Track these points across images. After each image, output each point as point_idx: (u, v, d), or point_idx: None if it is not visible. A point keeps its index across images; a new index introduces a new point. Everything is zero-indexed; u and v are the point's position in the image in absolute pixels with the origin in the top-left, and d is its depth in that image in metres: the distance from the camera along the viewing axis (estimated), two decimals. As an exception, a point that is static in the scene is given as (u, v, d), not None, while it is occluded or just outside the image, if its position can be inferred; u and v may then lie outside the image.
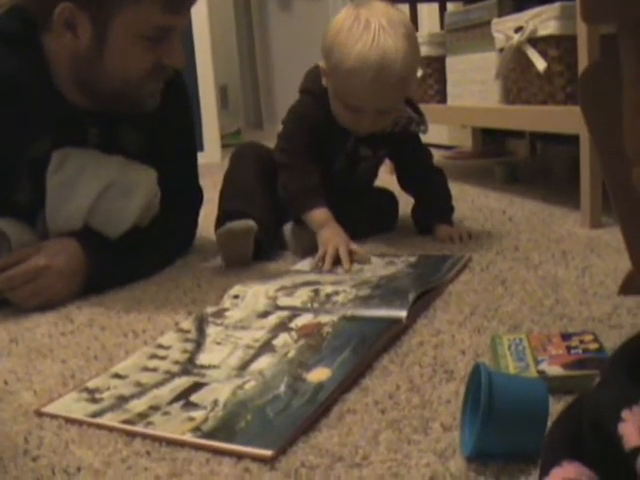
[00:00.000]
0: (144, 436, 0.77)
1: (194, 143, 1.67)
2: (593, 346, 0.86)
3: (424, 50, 2.47)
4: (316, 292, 1.19)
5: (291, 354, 0.95)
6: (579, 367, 0.81)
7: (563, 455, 0.48)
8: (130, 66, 1.27)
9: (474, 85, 2.20)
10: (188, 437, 0.75)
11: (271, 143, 1.69)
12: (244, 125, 5.46)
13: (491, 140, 3.15)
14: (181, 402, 0.83)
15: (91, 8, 1.21)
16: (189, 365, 0.94)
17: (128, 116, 1.39)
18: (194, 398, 0.84)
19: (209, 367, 0.93)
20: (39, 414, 0.84)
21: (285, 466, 0.69)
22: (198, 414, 0.79)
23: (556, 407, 0.72)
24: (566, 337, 0.89)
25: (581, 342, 0.87)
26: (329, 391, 0.82)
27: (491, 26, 2.00)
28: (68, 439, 0.77)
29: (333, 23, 1.46)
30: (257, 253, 1.49)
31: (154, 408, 0.82)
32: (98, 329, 1.14)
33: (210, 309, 1.17)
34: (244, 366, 0.92)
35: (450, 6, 2.96)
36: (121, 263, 1.36)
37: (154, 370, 0.93)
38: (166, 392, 0.86)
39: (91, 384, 0.90)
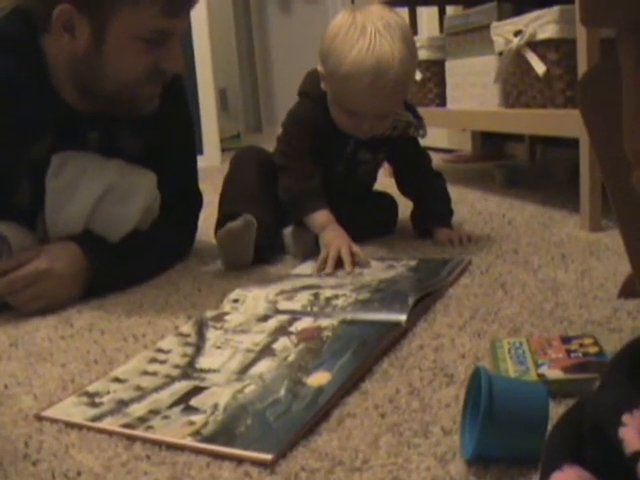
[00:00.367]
0: (144, 440, 0.76)
1: (194, 146, 1.67)
2: (593, 349, 0.86)
3: (423, 54, 2.48)
4: (316, 296, 1.19)
5: (291, 358, 0.95)
6: (579, 370, 0.81)
7: (563, 459, 0.48)
8: (127, 68, 1.27)
9: (474, 89, 2.21)
10: (188, 441, 0.75)
11: (270, 146, 1.69)
12: (243, 128, 5.46)
13: (491, 144, 3.15)
14: (181, 406, 0.83)
15: (89, 10, 1.21)
16: (189, 369, 0.94)
17: (127, 119, 1.40)
18: (194, 402, 0.84)
19: (209, 371, 0.93)
20: (39, 418, 0.84)
21: (285, 470, 0.69)
22: (198, 418, 0.79)
23: (556, 411, 0.72)
24: (566, 340, 0.89)
25: (581, 345, 0.87)
26: (329, 395, 0.82)
27: (490, 30, 2.00)
28: (68, 443, 0.77)
29: (330, 28, 1.46)
30: (257, 257, 1.49)
31: (154, 412, 0.82)
32: (98, 333, 1.14)
33: (210, 313, 1.17)
34: (244, 370, 0.92)
35: (449, 10, 2.96)
36: (121, 267, 1.36)
37: (154, 374, 0.93)
38: (166, 396, 0.86)
39: (91, 388, 0.90)
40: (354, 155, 1.62)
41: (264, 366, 0.93)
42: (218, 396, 0.85)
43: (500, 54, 1.96)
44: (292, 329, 1.06)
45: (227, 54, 5.23)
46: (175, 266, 1.54)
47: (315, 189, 1.53)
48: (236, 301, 1.21)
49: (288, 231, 1.59)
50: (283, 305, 1.17)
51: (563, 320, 1.03)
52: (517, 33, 1.84)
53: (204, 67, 3.72)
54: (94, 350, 1.06)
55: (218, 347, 1.01)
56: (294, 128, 1.59)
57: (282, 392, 0.85)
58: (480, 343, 0.97)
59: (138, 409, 0.83)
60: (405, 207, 1.76)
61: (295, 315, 1.12)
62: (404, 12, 2.76)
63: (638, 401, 0.44)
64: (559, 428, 0.52)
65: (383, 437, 0.74)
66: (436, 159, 2.19)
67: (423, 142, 1.69)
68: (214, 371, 0.93)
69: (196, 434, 0.76)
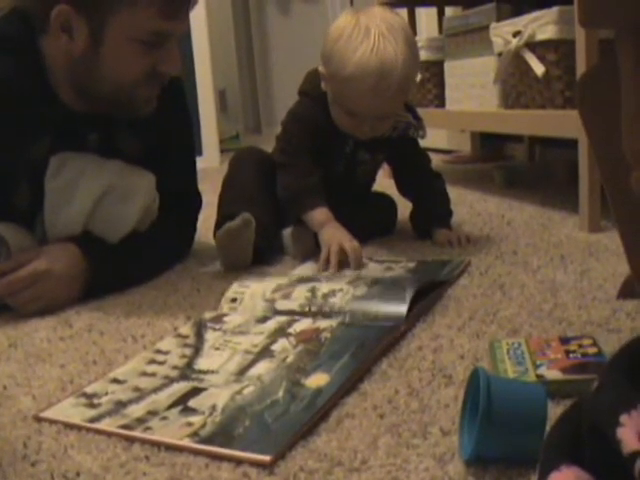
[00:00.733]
0: (143, 441, 0.76)
1: (193, 147, 1.67)
2: (592, 350, 0.86)
3: (423, 54, 2.47)
4: (313, 292, 1.18)
5: (290, 359, 0.95)
6: (578, 371, 0.81)
7: (562, 459, 0.48)
8: (124, 70, 1.27)
9: (473, 89, 2.21)
10: (186, 442, 0.75)
11: (270, 147, 1.69)
12: (243, 129, 5.46)
13: (490, 144, 3.15)
14: (179, 407, 0.83)
15: (87, 11, 1.21)
16: (188, 370, 0.94)
17: (126, 120, 1.39)
18: (192, 403, 0.84)
19: (207, 372, 0.93)
20: (38, 419, 0.84)
21: (284, 471, 0.69)
22: (196, 419, 0.79)
23: (555, 411, 0.72)
24: (565, 341, 0.89)
25: (580, 346, 0.87)
26: (327, 396, 0.82)
27: (489, 31, 2.00)
28: (67, 444, 0.77)
29: (332, 29, 1.46)
30: (256, 258, 1.49)
31: (152, 413, 0.82)
32: (97, 334, 1.14)
33: (209, 314, 1.17)
34: (242, 371, 0.92)
35: (449, 11, 2.96)
36: (120, 268, 1.36)
37: (153, 375, 0.93)
38: (164, 397, 0.86)
39: (89, 389, 0.90)
40: (353, 155, 1.62)
41: (263, 367, 0.93)
42: (216, 397, 0.85)
43: (499, 55, 1.96)
44: (291, 330, 1.06)
45: (226, 55, 5.24)
46: (174, 267, 1.54)
47: (314, 187, 1.53)
48: (234, 300, 1.21)
49: (287, 232, 1.59)
50: (281, 305, 1.17)
51: (562, 321, 1.03)
52: (516, 34, 1.84)
53: (203, 68, 3.72)
54: (93, 351, 1.06)
55: (217, 348, 1.01)
56: (294, 126, 1.59)
57: (280, 393, 0.85)
58: (479, 344, 0.97)
59: (137, 410, 0.83)
60: (404, 208, 1.76)
61: (294, 316, 1.12)
62: (403, 13, 2.76)
63: (636, 401, 0.44)
64: (557, 428, 0.52)
65: (382, 438, 0.74)
66: (435, 160, 2.19)
67: (422, 143, 1.70)
68: (213, 372, 0.93)
69: (194, 435, 0.76)
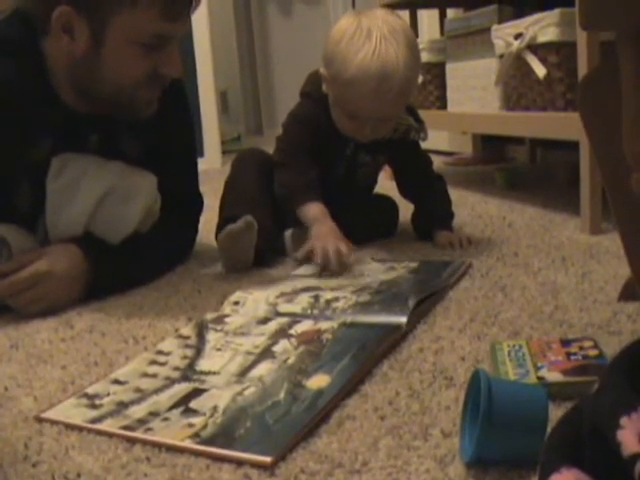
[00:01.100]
0: (144, 442, 0.76)
1: (194, 149, 1.67)
2: (593, 352, 0.86)
3: (424, 56, 2.47)
4: (316, 298, 1.19)
5: (291, 360, 0.95)
6: (579, 373, 0.81)
7: (562, 461, 0.48)
8: (125, 72, 1.27)
9: (474, 91, 2.21)
10: (187, 443, 0.75)
11: (271, 149, 1.69)
12: (244, 131, 5.46)
13: (491, 146, 3.15)
14: (180, 408, 0.83)
15: (88, 11, 1.21)
16: (189, 371, 0.94)
17: (127, 121, 1.40)
18: (194, 404, 0.84)
19: (209, 373, 0.93)
20: (39, 420, 0.84)
21: (285, 472, 0.69)
22: (197, 420, 0.79)
23: (556, 413, 0.72)
24: (566, 343, 0.89)
25: (581, 348, 0.87)
26: (328, 398, 0.82)
27: (491, 32, 2.00)
28: (68, 445, 0.77)
29: (334, 31, 1.46)
30: (258, 259, 1.49)
31: (154, 414, 0.82)
32: (98, 335, 1.14)
33: (210, 315, 1.17)
34: (244, 372, 0.92)
35: (450, 12, 2.96)
36: (122, 269, 1.36)
37: (154, 376, 0.93)
38: (166, 398, 0.86)
39: (91, 390, 0.90)
40: (354, 157, 1.62)
41: (264, 368, 0.93)
42: (218, 398, 0.85)
43: (501, 57, 1.96)
44: (292, 332, 1.06)
45: (228, 56, 5.24)
46: (175, 268, 1.54)
47: (310, 182, 1.53)
48: (236, 303, 1.21)
49: (289, 233, 1.59)
50: (283, 307, 1.17)
51: (563, 323, 1.03)
52: (518, 36, 1.84)
53: (205, 69, 3.72)
54: (94, 352, 1.06)
55: (218, 349, 1.01)
56: (294, 128, 1.59)
57: (282, 395, 0.85)
58: (480, 346, 0.97)
59: (138, 411, 0.83)
60: (406, 210, 1.76)
61: (295, 317, 1.12)
62: (405, 14, 2.76)
63: (636, 404, 0.44)
64: (558, 430, 0.53)
65: (383, 439, 0.74)
66: (437, 162, 2.19)
67: (424, 145, 1.69)
68: (214, 373, 0.93)
69: (195, 436, 0.76)
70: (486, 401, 0.64)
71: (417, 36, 2.87)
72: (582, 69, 1.51)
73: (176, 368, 0.95)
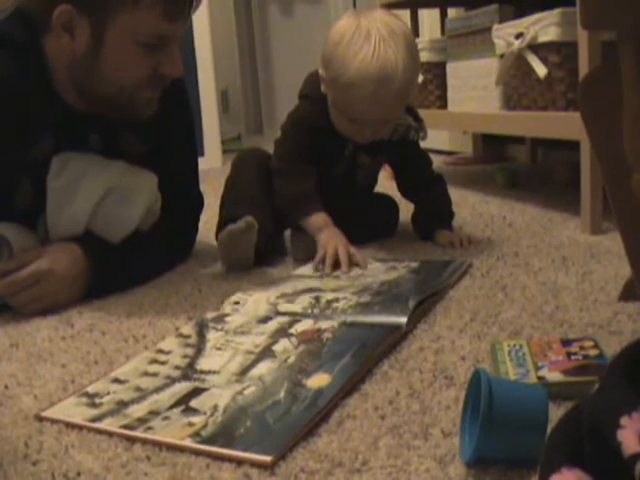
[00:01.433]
0: (144, 441, 0.77)
1: (195, 148, 1.67)
2: (593, 352, 0.86)
3: (425, 56, 2.47)
4: (317, 299, 1.19)
5: (291, 360, 0.95)
6: (579, 373, 0.81)
7: (562, 461, 0.48)
8: (125, 72, 1.27)
9: (475, 91, 2.21)
10: (188, 442, 0.75)
11: (271, 148, 1.69)
12: (244, 130, 5.46)
13: (492, 146, 3.15)
14: (181, 407, 0.83)
15: (89, 10, 1.21)
16: (189, 370, 0.94)
17: (128, 121, 1.40)
18: (194, 403, 0.84)
19: (209, 372, 0.93)
20: (39, 418, 0.84)
21: (285, 471, 0.69)
22: (198, 419, 0.79)
23: (556, 413, 0.72)
24: (566, 343, 0.89)
25: (581, 348, 0.87)
26: (329, 397, 0.82)
27: (492, 32, 2.00)
28: (68, 444, 0.77)
29: (333, 33, 1.45)
30: (258, 259, 1.49)
31: (154, 413, 0.82)
32: (99, 334, 1.14)
33: (210, 314, 1.17)
34: (244, 372, 0.92)
35: (451, 12, 2.96)
36: (122, 268, 1.36)
37: (154, 375, 0.93)
38: (166, 397, 0.86)
39: (91, 389, 0.90)
40: (353, 158, 1.62)
41: (264, 368, 0.93)
42: (218, 397, 0.85)
43: (501, 56, 1.96)
44: (292, 331, 1.06)
45: (228, 56, 5.24)
46: (176, 267, 1.54)
47: (309, 192, 1.53)
48: (237, 303, 1.21)
49: (289, 233, 1.59)
50: (284, 307, 1.17)
51: (563, 323, 1.03)
52: (518, 35, 1.84)
53: (205, 68, 3.72)
54: (94, 351, 1.06)
55: (218, 348, 1.01)
56: (291, 130, 1.59)
57: (282, 394, 0.85)
58: (480, 345, 0.97)
59: (138, 410, 0.83)
60: (406, 210, 1.76)
61: (295, 317, 1.12)
62: (405, 14, 2.76)
63: (637, 403, 0.44)
64: (558, 430, 0.53)
65: (383, 439, 0.74)
66: (437, 161, 2.19)
67: (424, 144, 1.69)
68: (214, 372, 0.93)
69: (195, 435, 0.76)
70: (486, 401, 0.64)
71: (418, 35, 2.88)
72: (583, 69, 1.51)
73: (176, 367, 0.95)
